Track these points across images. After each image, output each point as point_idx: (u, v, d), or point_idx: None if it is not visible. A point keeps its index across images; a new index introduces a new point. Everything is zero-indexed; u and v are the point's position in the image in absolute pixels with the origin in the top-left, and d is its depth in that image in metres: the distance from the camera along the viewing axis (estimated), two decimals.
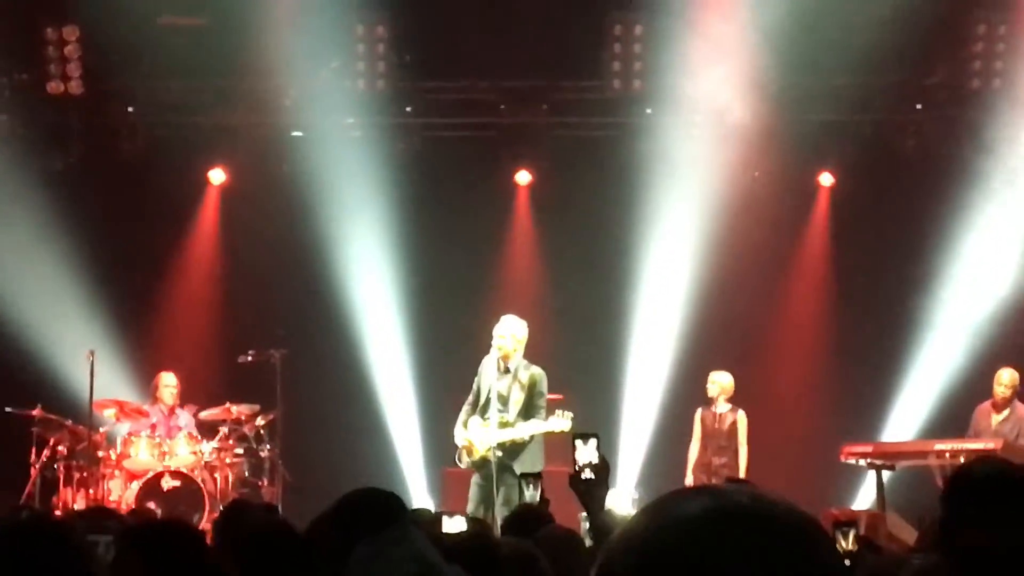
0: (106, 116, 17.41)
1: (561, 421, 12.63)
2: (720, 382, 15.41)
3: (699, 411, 15.45)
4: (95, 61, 16.74)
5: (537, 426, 12.70)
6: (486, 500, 12.76)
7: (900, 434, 16.74)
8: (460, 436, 13.02)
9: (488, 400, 12.80)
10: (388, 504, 4.79)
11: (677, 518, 1.79)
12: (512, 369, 12.83)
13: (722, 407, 15.39)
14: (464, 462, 13.01)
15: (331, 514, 4.78)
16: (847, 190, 17.82)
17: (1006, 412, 14.89)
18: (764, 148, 17.21)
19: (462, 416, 13.08)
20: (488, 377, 12.88)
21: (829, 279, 18.10)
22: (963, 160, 16.94)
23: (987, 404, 15.03)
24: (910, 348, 17.33)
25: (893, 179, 17.50)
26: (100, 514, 7.00)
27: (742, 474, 15.06)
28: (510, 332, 12.90)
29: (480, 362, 13.05)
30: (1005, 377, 14.98)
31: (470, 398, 13.09)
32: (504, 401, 12.80)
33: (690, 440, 15.52)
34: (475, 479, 12.96)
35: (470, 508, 12.74)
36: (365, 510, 4.77)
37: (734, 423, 15.32)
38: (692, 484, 14.88)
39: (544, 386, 12.88)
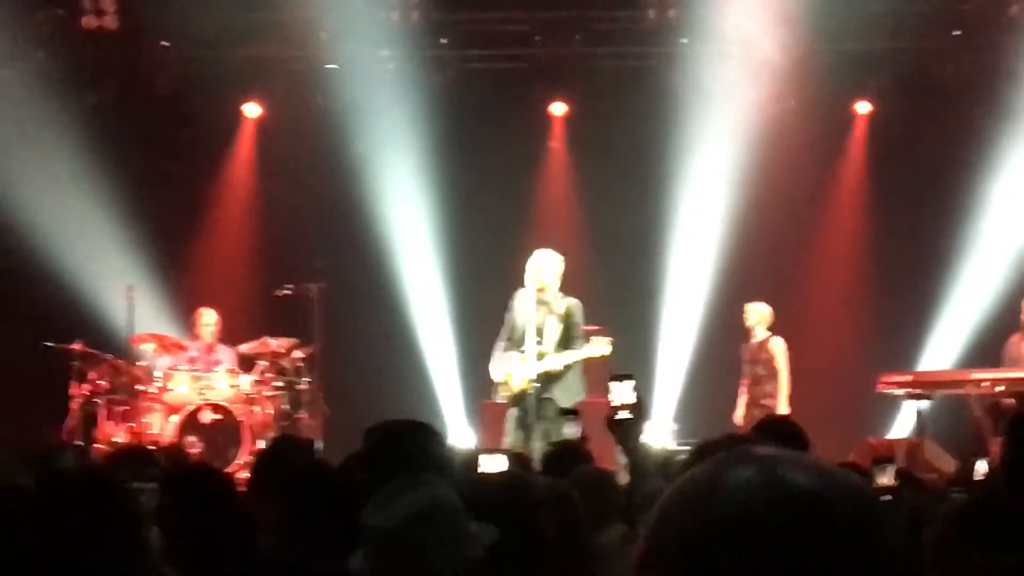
0: (141, 51, 17.39)
1: (600, 346, 12.66)
2: (758, 310, 15.39)
3: (744, 346, 15.45)
4: None
5: (575, 354, 12.71)
6: (524, 433, 12.78)
7: (938, 363, 16.72)
8: (497, 371, 13.00)
9: (524, 334, 12.79)
10: (413, 440, 4.80)
11: (726, 499, 1.66)
12: (548, 301, 12.81)
13: (759, 336, 15.39)
14: (502, 397, 13.01)
15: (360, 453, 4.79)
16: (884, 119, 17.73)
17: None
18: (800, 78, 17.13)
19: (497, 351, 13.06)
20: (523, 311, 12.85)
21: (866, 208, 18.04)
22: (1001, 88, 16.82)
23: (1016, 335, 14.98)
24: (947, 278, 17.28)
25: (930, 107, 17.37)
26: (139, 455, 7.03)
27: (784, 401, 15.07)
28: (546, 265, 12.86)
29: (514, 295, 13.04)
30: None
31: (503, 333, 13.06)
32: (541, 333, 12.78)
33: (730, 367, 15.54)
34: (512, 412, 12.95)
35: (508, 441, 12.77)
36: (390, 447, 4.78)
37: (771, 352, 15.31)
38: (740, 417, 14.95)
39: (581, 316, 12.85)
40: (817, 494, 1.64)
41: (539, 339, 12.71)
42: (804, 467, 1.68)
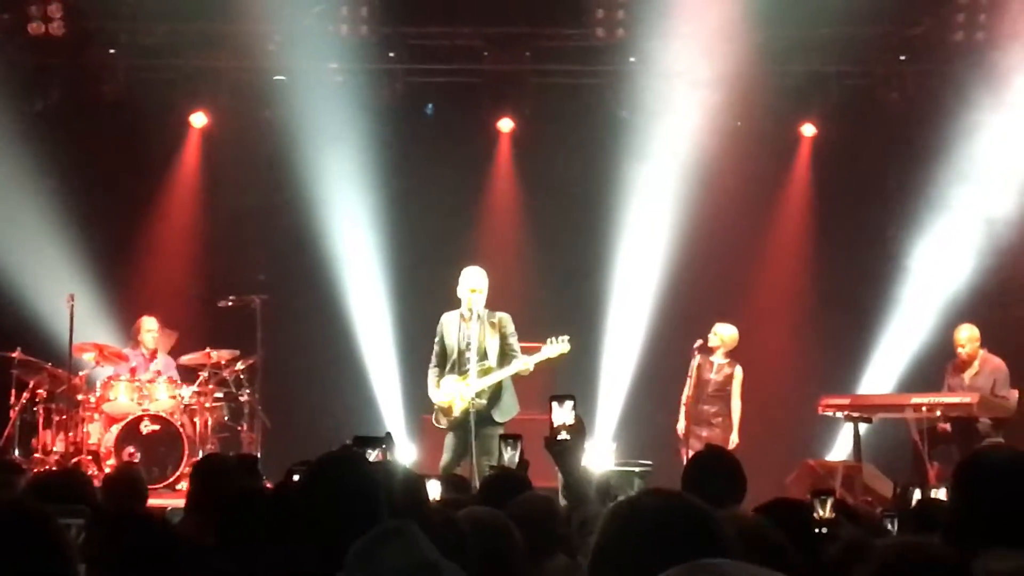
0: (87, 58, 17.29)
1: (559, 346, 12.83)
2: (723, 334, 15.38)
3: (697, 358, 15.36)
4: (76, 2, 16.64)
5: (536, 357, 12.84)
6: (461, 453, 12.85)
7: (878, 387, 16.82)
8: (437, 396, 13.08)
9: (460, 354, 12.90)
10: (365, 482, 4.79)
11: None
12: (480, 317, 12.91)
13: (720, 359, 15.39)
14: (443, 423, 13.08)
15: (307, 483, 4.75)
16: (829, 141, 17.83)
17: (976, 367, 14.94)
18: (746, 98, 17.21)
19: (432, 377, 13.16)
20: (454, 332, 12.98)
21: (810, 230, 18.13)
22: (946, 112, 16.93)
23: (952, 366, 15.12)
24: (889, 301, 17.40)
25: (875, 130, 17.50)
26: (73, 481, 6.96)
27: (735, 427, 15.11)
28: (481, 282, 12.99)
29: (440, 320, 13.18)
30: (962, 336, 15.06)
31: (435, 357, 13.17)
32: (481, 350, 12.87)
33: (672, 385, 15.56)
34: (453, 435, 13.03)
35: (446, 461, 12.82)
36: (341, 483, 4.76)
37: (730, 376, 15.31)
38: (683, 430, 14.99)
39: (513, 327, 13.07)
40: None
41: (479, 357, 12.80)
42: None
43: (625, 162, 17.33)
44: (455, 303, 13.14)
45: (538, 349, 13.05)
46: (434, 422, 13.23)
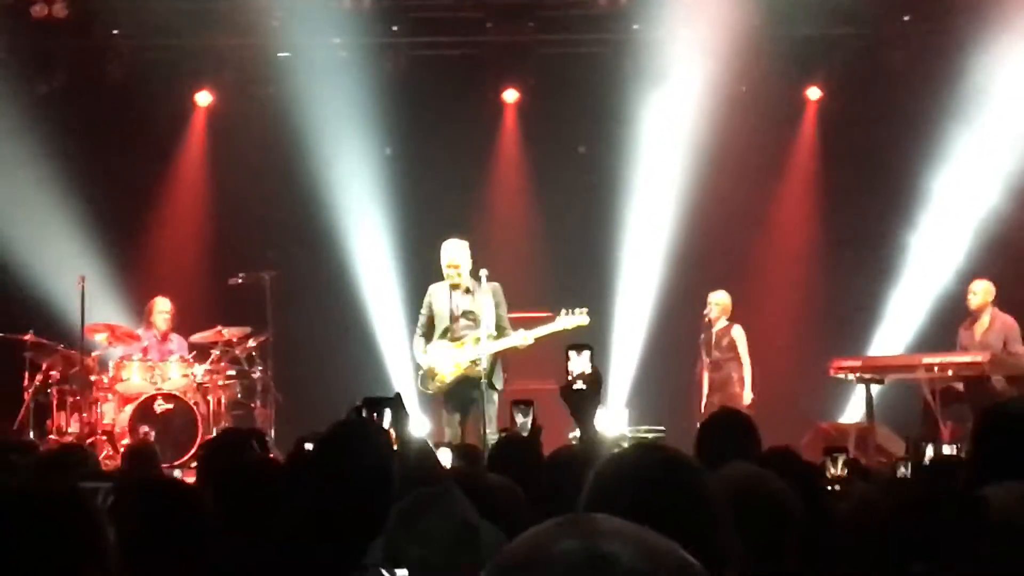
0: (91, 39, 17.29)
1: (576, 318, 12.92)
2: (718, 302, 15.46)
3: (702, 336, 15.50)
4: None
5: (548, 327, 12.94)
6: (465, 421, 12.98)
7: (889, 348, 16.82)
8: (425, 360, 13.22)
9: (452, 321, 13.04)
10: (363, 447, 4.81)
11: (547, 572, 1.66)
12: (470, 287, 13.04)
13: (720, 325, 15.45)
14: (432, 387, 13.22)
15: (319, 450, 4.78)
16: (835, 104, 17.82)
17: (985, 321, 14.91)
18: (751, 63, 17.19)
19: (419, 343, 13.32)
20: (443, 300, 13.15)
21: (817, 193, 18.12)
22: (951, 72, 16.89)
23: (967, 321, 15.10)
24: (899, 262, 17.40)
25: (881, 92, 17.46)
26: (78, 455, 7.01)
27: (748, 385, 15.17)
28: (464, 254, 13.11)
29: (429, 290, 13.42)
30: (976, 287, 15.04)
31: (421, 327, 13.34)
32: (475, 318, 13.00)
33: (684, 352, 15.62)
34: (451, 403, 13.17)
35: (452, 433, 12.94)
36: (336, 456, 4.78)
37: (733, 339, 15.38)
38: (706, 405, 15.02)
39: (503, 298, 13.21)
40: (637, 570, 1.64)
41: (472, 324, 12.97)
42: (629, 541, 1.67)
43: (631, 130, 17.33)
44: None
45: (551, 319, 13.11)
46: (419, 387, 13.38)
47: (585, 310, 13.08)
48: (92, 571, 3.39)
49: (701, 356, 15.49)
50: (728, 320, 15.48)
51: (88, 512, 3.52)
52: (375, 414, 5.07)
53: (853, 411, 16.31)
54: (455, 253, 13.18)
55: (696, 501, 2.60)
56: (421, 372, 13.38)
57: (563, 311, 13.08)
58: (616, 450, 3.14)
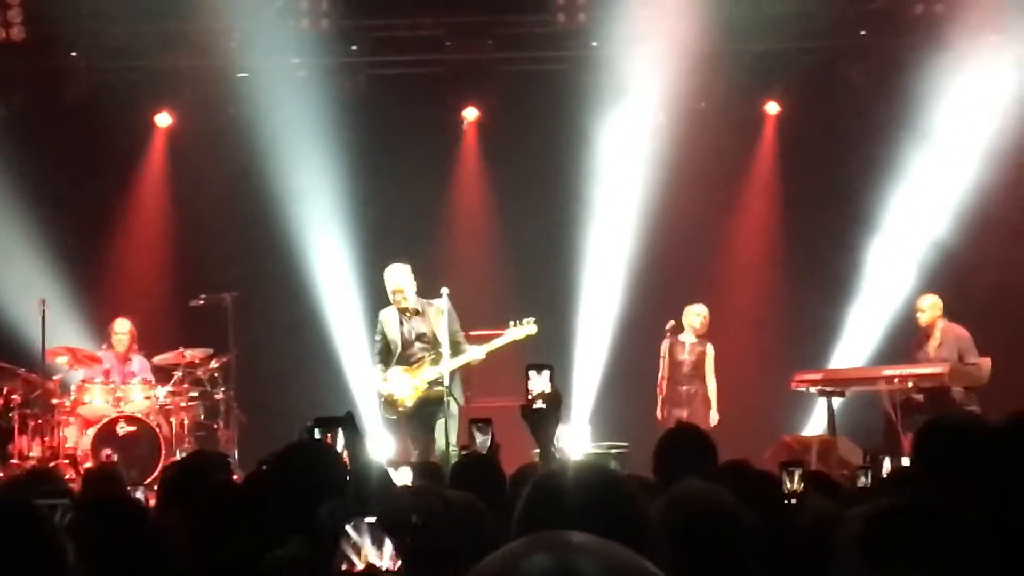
0: (49, 61, 17.24)
1: (524, 328, 13.00)
2: (694, 315, 15.50)
3: (666, 343, 15.50)
4: (36, 6, 16.59)
5: (498, 341, 13.02)
6: (428, 441, 13.04)
7: (849, 361, 16.89)
8: (384, 387, 13.30)
9: (405, 346, 13.12)
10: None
11: None
12: (421, 310, 13.13)
13: (691, 338, 15.49)
14: (394, 413, 13.29)
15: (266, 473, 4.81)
16: (793, 118, 17.90)
17: (938, 336, 14.99)
18: (709, 79, 17.26)
19: (377, 371, 13.41)
20: (394, 326, 13.25)
21: (777, 207, 18.20)
22: (909, 86, 17.01)
23: (919, 337, 15.20)
24: (858, 275, 17.49)
25: (839, 105, 17.56)
26: (47, 476, 7.02)
27: (714, 405, 15.23)
28: (407, 279, 13.21)
29: (379, 317, 13.60)
30: (923, 303, 15.16)
31: (377, 352, 13.46)
32: (429, 339, 13.08)
33: (647, 366, 15.63)
34: (413, 423, 13.23)
35: (416, 453, 12.98)
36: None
37: (703, 355, 15.44)
38: (661, 414, 15.09)
39: (455, 313, 13.28)
40: None
41: (427, 346, 13.06)
42: (598, 556, 1.69)
43: (591, 146, 17.38)
44: (425, 293, 13.35)
45: (501, 335, 13.21)
46: (384, 414, 13.47)
47: (532, 320, 13.19)
48: None
49: (662, 368, 15.50)
50: (699, 336, 15.52)
51: (44, 527, 3.53)
52: (328, 434, 5.07)
53: (815, 424, 16.36)
54: (398, 278, 13.31)
55: (629, 524, 2.62)
56: (383, 400, 13.44)
57: (511, 323, 13.19)
58: (557, 466, 3.16)
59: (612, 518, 2.47)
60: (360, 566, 3.90)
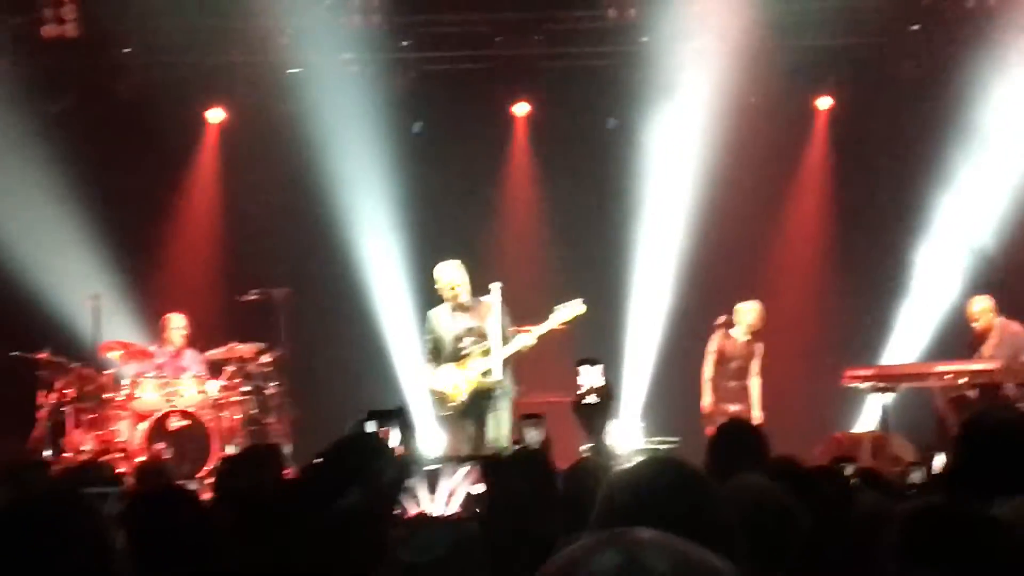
0: (102, 58, 17.33)
1: (571, 308, 13.03)
2: (747, 311, 15.46)
3: (717, 337, 15.46)
4: (90, 3, 16.69)
5: (546, 324, 13.06)
6: (481, 434, 13.09)
7: (902, 357, 16.81)
8: (434, 383, 13.36)
9: (455, 342, 13.19)
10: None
11: None
12: (472, 306, 13.20)
13: (743, 336, 15.46)
14: (446, 410, 13.34)
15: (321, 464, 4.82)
16: (845, 113, 17.83)
17: (994, 337, 14.92)
18: (760, 74, 17.18)
19: (428, 369, 13.48)
20: (446, 323, 13.31)
21: (828, 203, 18.13)
22: (961, 79, 16.91)
23: (971, 339, 15.12)
24: (911, 271, 17.41)
25: (891, 100, 17.47)
26: (99, 469, 7.10)
27: (757, 403, 15.19)
28: (460, 276, 13.25)
29: (428, 316, 13.72)
30: (974, 309, 15.12)
31: (428, 349, 13.55)
32: (478, 332, 13.15)
33: (697, 362, 15.60)
34: (466, 417, 13.29)
35: (470, 447, 13.02)
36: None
37: (751, 352, 15.41)
38: (709, 406, 15.07)
39: (502, 306, 13.34)
40: None
41: (479, 340, 13.12)
42: (667, 552, 1.68)
43: (641, 142, 17.36)
44: (476, 289, 13.38)
45: (559, 331, 13.22)
46: (437, 411, 13.53)
47: (579, 300, 13.20)
48: (97, 570, 3.44)
49: (709, 363, 15.46)
50: (750, 334, 15.48)
51: (92, 515, 3.57)
52: (382, 427, 5.09)
53: (866, 420, 16.29)
54: (452, 274, 13.37)
55: (708, 514, 2.62)
56: (434, 396, 13.50)
57: (556, 307, 13.20)
58: (627, 464, 3.16)
59: (693, 515, 2.47)
60: (414, 512, 3.94)
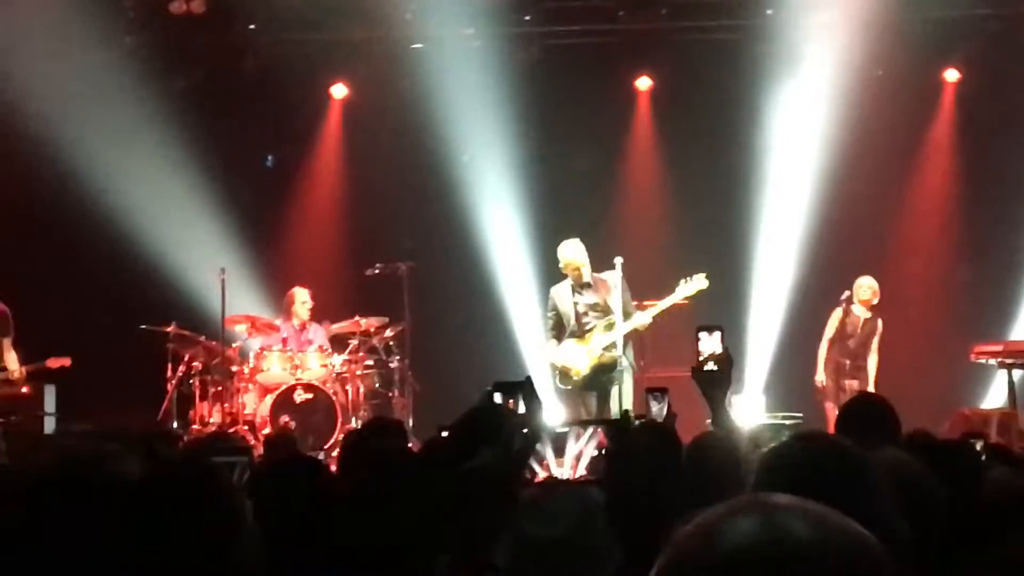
0: (228, 34, 17.50)
1: (694, 283, 13.04)
2: (866, 287, 15.32)
3: (838, 311, 15.34)
4: None
5: (669, 299, 13.10)
6: (610, 404, 13.09)
7: None
8: (557, 357, 13.40)
9: (578, 318, 13.21)
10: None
11: (724, 551, 1.65)
12: (591, 282, 13.22)
13: (864, 312, 15.32)
14: (570, 383, 13.38)
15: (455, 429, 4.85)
16: (973, 86, 17.58)
17: None
18: (887, 46, 16.98)
19: (550, 344, 13.53)
20: (567, 300, 13.36)
21: (955, 176, 17.90)
22: None
23: None
24: None
25: (1019, 73, 17.20)
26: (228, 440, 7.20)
27: (872, 379, 15.06)
28: (584, 255, 13.27)
29: (551, 293, 13.78)
30: None
31: (550, 326, 13.64)
32: (602, 309, 13.17)
33: (820, 338, 15.49)
34: (588, 390, 13.32)
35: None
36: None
37: (874, 330, 15.26)
38: (822, 382, 14.97)
39: (625, 283, 13.36)
40: (813, 546, 1.63)
41: (600, 315, 13.13)
42: (807, 518, 1.66)
43: (766, 116, 17.24)
44: (599, 263, 13.40)
45: (684, 306, 13.21)
46: (559, 384, 13.57)
47: (703, 275, 13.19)
48: (227, 538, 3.49)
49: (830, 336, 15.34)
50: (871, 310, 15.33)
51: (221, 482, 3.62)
52: (509, 399, 5.10)
53: (995, 397, 16.09)
54: (577, 253, 13.41)
55: (866, 487, 2.61)
56: (557, 371, 13.54)
57: (681, 280, 13.21)
58: (777, 441, 3.15)
59: (851, 493, 2.45)
60: (543, 475, 3.95)
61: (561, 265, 13.56)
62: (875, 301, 15.32)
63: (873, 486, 2.67)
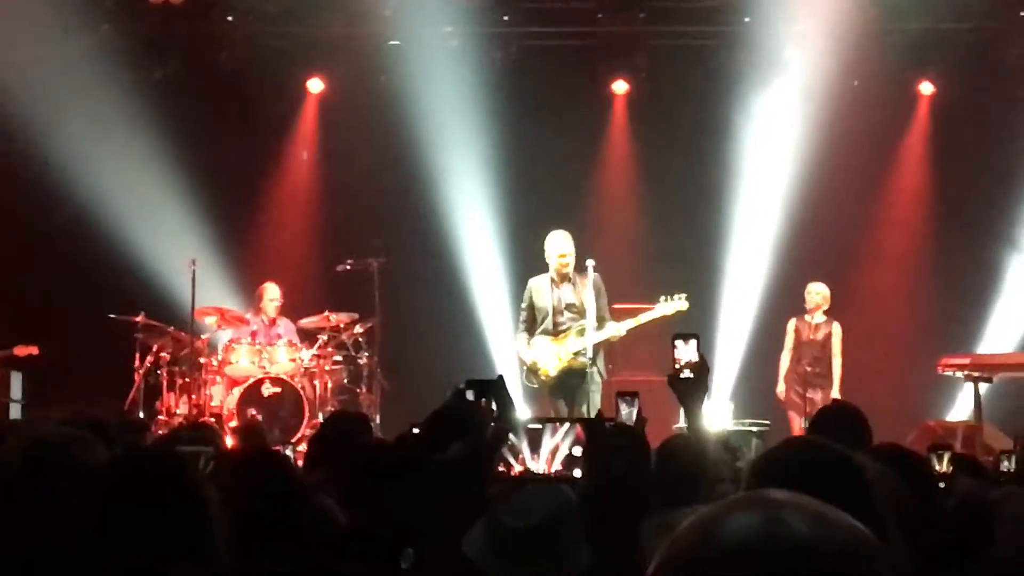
0: (205, 26, 17.46)
1: (675, 303, 13.02)
2: (822, 292, 15.39)
3: (793, 321, 15.47)
4: None
5: (647, 315, 13.05)
6: (578, 410, 13.05)
7: (998, 346, 16.65)
8: (529, 355, 13.35)
9: (554, 314, 13.16)
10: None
11: (723, 546, 1.64)
12: (572, 279, 13.17)
13: (818, 318, 15.39)
14: (536, 381, 13.35)
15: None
16: (947, 99, 17.64)
17: None
18: (863, 57, 17.04)
19: (521, 338, 13.47)
20: (545, 294, 13.27)
21: (928, 189, 17.96)
22: None
23: None
24: (1008, 259, 17.22)
25: (994, 88, 17.27)
26: (200, 430, 7.18)
27: (836, 385, 15.11)
28: (570, 247, 13.23)
29: (529, 284, 13.71)
30: None
31: (523, 319, 13.52)
32: (578, 309, 13.12)
33: (781, 350, 15.56)
34: (556, 394, 13.30)
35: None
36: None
37: (829, 335, 15.33)
38: (784, 394, 15.02)
39: (604, 288, 13.36)
40: (813, 542, 1.63)
41: (575, 316, 13.12)
42: (807, 514, 1.66)
43: (740, 122, 17.28)
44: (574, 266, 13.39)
45: (651, 309, 13.21)
46: (524, 381, 13.52)
47: (684, 296, 13.17)
48: (192, 525, 3.49)
49: (790, 347, 15.42)
50: (825, 314, 15.41)
51: (185, 471, 3.63)
52: (481, 397, 5.11)
53: (960, 409, 16.16)
54: (564, 244, 13.34)
55: (862, 492, 2.61)
56: (525, 367, 13.51)
57: (662, 298, 13.20)
58: (771, 448, 3.15)
59: (845, 496, 2.45)
60: (518, 469, 3.96)
61: (547, 255, 13.46)
62: (825, 307, 15.40)
63: (868, 491, 2.68)
